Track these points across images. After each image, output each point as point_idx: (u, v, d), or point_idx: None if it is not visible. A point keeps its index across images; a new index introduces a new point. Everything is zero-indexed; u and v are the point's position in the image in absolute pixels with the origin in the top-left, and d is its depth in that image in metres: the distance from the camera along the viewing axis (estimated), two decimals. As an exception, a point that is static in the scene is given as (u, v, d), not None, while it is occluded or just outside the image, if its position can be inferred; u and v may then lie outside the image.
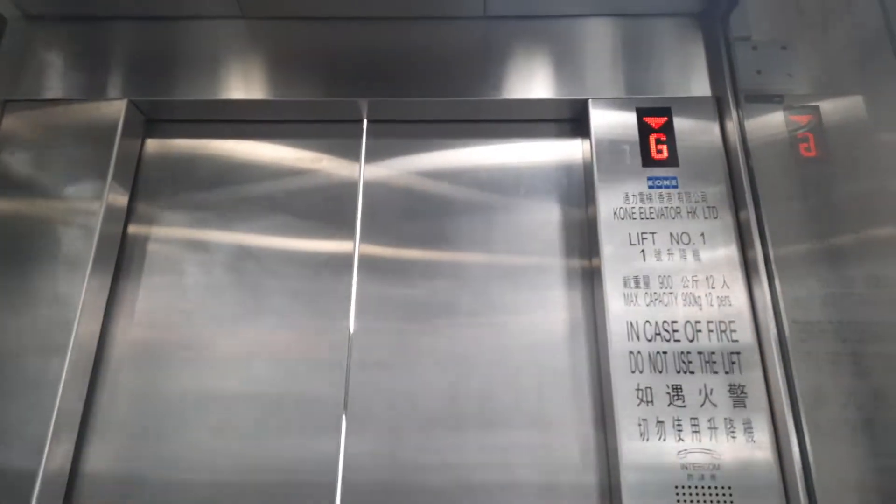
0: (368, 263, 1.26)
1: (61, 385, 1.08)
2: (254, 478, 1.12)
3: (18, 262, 1.17)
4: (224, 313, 1.23)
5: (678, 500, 1.00)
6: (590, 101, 1.27)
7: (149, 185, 1.34)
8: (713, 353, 1.08)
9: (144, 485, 1.12)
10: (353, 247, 1.27)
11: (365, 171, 1.34)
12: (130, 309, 1.24)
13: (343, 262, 1.26)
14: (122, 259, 1.28)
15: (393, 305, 1.23)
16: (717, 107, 1.26)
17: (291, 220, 1.30)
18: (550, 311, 1.21)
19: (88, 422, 1.16)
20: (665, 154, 1.22)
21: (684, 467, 1.02)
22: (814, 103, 1.23)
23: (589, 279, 1.23)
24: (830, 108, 1.20)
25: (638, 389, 1.06)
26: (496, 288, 1.23)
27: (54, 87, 1.31)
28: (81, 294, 1.14)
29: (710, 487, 1.00)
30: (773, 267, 1.09)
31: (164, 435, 1.15)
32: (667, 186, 1.19)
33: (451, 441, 1.13)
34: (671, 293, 1.12)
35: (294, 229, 1.30)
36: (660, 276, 1.13)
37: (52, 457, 1.06)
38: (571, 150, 1.34)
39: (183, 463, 1.13)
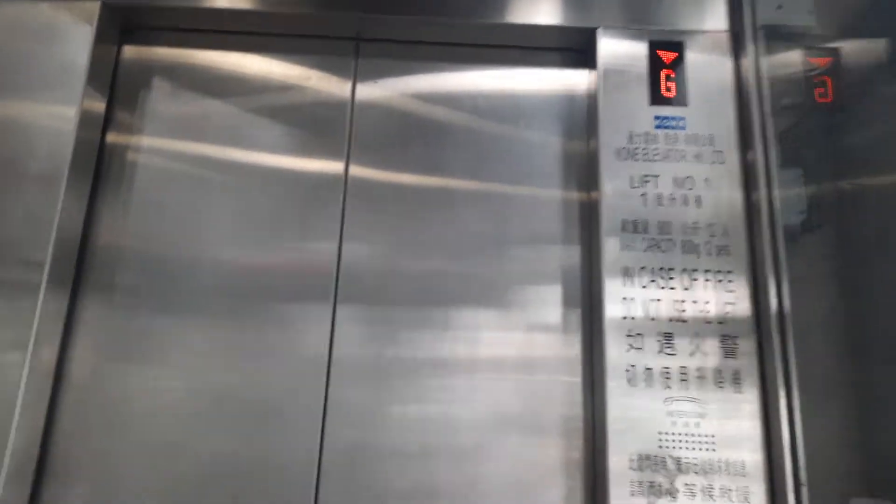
0: (359, 186, 1.20)
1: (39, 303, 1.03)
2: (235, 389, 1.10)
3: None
4: (208, 232, 1.18)
5: (660, 446, 1.00)
6: (599, 30, 1.19)
7: (127, 94, 1.25)
8: (708, 302, 1.05)
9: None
10: (342, 168, 1.21)
11: (357, 91, 1.25)
12: (110, 221, 1.18)
13: (333, 183, 1.20)
14: (100, 169, 1.20)
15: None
16: (733, 43, 1.18)
17: (279, 137, 1.22)
18: (544, 250, 1.17)
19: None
20: (674, 92, 1.15)
21: (670, 414, 1.01)
22: (834, 45, 1.16)
23: (587, 220, 1.18)
24: (851, 51, 1.13)
25: (629, 336, 1.04)
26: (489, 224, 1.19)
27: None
28: (58, 204, 1.08)
29: (694, 435, 1.00)
30: (778, 216, 1.05)
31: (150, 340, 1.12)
32: (673, 127, 1.13)
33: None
34: (670, 240, 1.08)
35: (282, 147, 1.22)
36: (659, 222, 1.09)
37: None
38: (576, 81, 1.26)
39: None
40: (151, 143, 1.23)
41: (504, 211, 1.19)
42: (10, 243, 1.06)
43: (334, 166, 1.21)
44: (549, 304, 1.15)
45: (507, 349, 1.13)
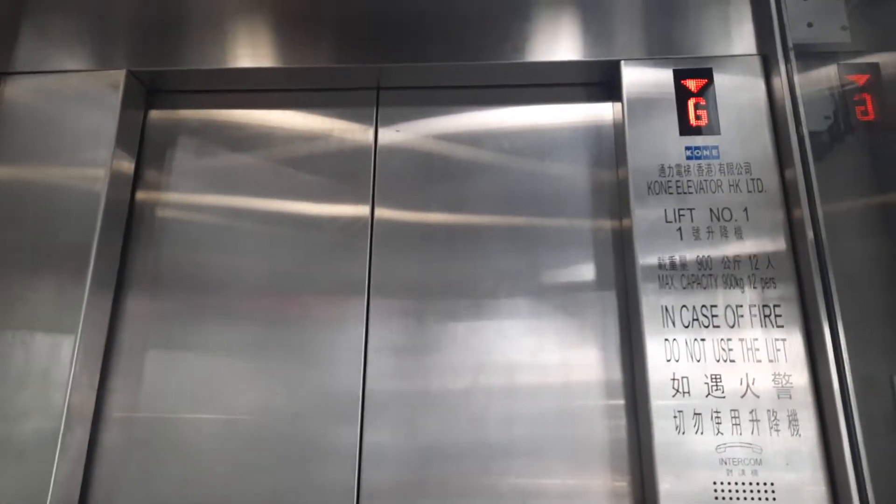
0: (385, 227, 1.20)
1: (70, 384, 1.04)
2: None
3: (22, 227, 1.14)
4: (240, 280, 1.18)
5: (716, 498, 0.94)
6: (622, 62, 1.16)
7: (155, 154, 1.28)
8: (756, 339, 1.00)
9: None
10: (368, 211, 1.20)
11: (380, 137, 1.25)
12: (142, 276, 1.20)
13: (359, 226, 1.20)
14: (130, 226, 1.23)
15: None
16: (764, 65, 1.14)
17: (305, 186, 1.23)
18: (577, 284, 1.13)
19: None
20: (705, 120, 1.11)
21: (723, 462, 0.95)
22: (872, 60, 1.11)
23: (620, 250, 1.14)
24: (892, 65, 1.08)
25: (674, 379, 0.99)
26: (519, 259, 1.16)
27: (52, 58, 1.24)
28: (91, 259, 1.10)
29: (750, 483, 0.94)
30: (823, 234, 0.99)
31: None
32: (707, 157, 1.09)
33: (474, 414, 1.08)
34: (710, 275, 1.03)
35: (308, 194, 1.23)
36: (698, 257, 1.04)
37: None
38: (601, 113, 1.23)
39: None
40: (180, 199, 1.25)
41: (534, 245, 1.17)
42: (42, 303, 1.08)
43: (360, 210, 1.21)
44: (587, 342, 1.10)
45: (543, 388, 1.09)
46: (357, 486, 1.06)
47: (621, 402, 1.07)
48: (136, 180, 1.25)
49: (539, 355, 1.11)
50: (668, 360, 1.00)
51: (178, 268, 1.20)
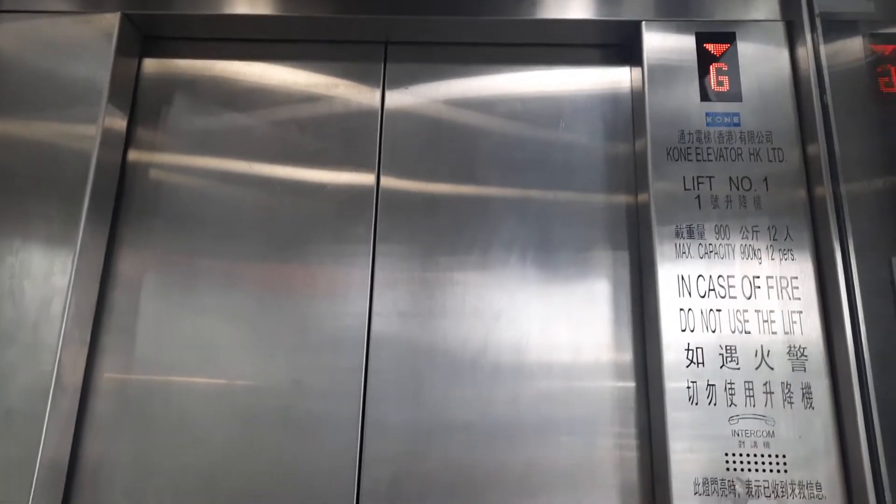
0: (391, 198, 1.15)
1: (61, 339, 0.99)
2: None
3: (9, 186, 1.08)
4: (235, 247, 1.13)
5: (727, 468, 0.93)
6: (643, 23, 1.12)
7: (149, 112, 1.21)
8: (772, 311, 0.98)
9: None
10: (373, 180, 1.15)
11: (387, 99, 1.20)
12: (136, 241, 1.15)
13: (363, 195, 1.15)
14: (122, 187, 1.16)
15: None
16: (788, 32, 1.11)
17: (306, 150, 1.18)
18: (589, 258, 1.11)
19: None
20: (726, 86, 1.08)
21: (736, 434, 0.94)
22: (897, 31, 1.08)
23: (634, 225, 1.11)
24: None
25: (688, 350, 0.97)
26: (530, 233, 1.13)
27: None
28: (82, 219, 1.05)
29: (762, 455, 0.93)
30: (846, 212, 0.97)
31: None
32: (727, 124, 1.06)
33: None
34: (728, 245, 1.01)
35: (310, 159, 1.17)
36: (716, 226, 1.02)
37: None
38: (619, 79, 1.19)
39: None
40: (174, 161, 1.19)
41: (545, 218, 1.13)
42: (32, 259, 1.03)
43: (365, 178, 1.16)
44: (597, 319, 1.08)
45: (553, 358, 1.06)
46: (359, 456, 1.03)
47: (631, 368, 1.05)
48: (129, 139, 1.19)
49: (548, 324, 1.08)
50: (683, 330, 0.98)
51: (172, 232, 1.15)
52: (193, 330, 1.10)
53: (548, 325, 1.08)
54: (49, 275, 1.02)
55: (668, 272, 1.00)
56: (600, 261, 1.11)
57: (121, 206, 1.16)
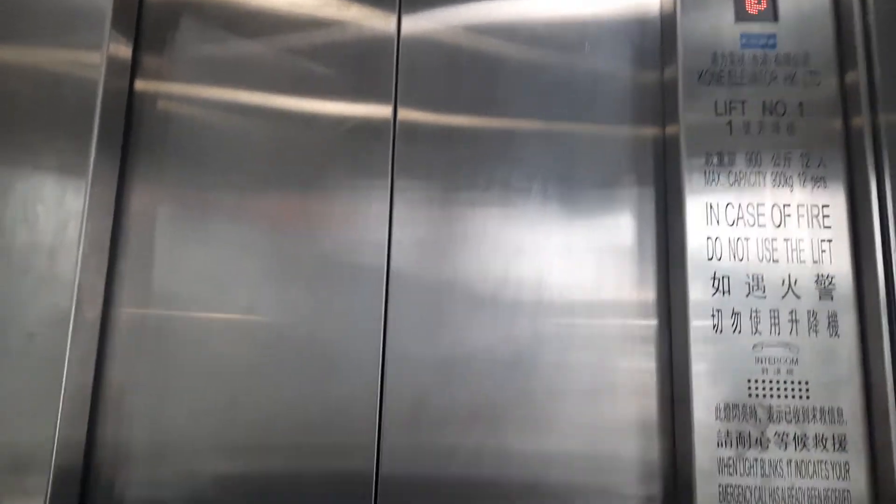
0: (409, 131, 1.11)
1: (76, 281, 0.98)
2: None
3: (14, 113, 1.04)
4: (248, 181, 1.11)
5: (749, 394, 0.93)
6: (676, -64, 1.06)
7: (154, 38, 1.16)
8: (801, 240, 0.96)
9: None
10: (390, 112, 1.12)
11: (403, 24, 1.15)
12: (146, 173, 1.12)
13: (380, 128, 1.12)
14: (130, 119, 1.13)
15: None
16: (830, -53, 1.05)
17: (318, 79, 1.14)
18: (615, 190, 1.08)
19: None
20: (763, 4, 1.03)
21: (759, 361, 0.94)
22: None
23: (661, 157, 1.08)
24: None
25: (714, 278, 0.96)
26: (553, 164, 1.10)
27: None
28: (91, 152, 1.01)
29: (784, 382, 0.93)
30: (883, 141, 0.94)
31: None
32: (762, 46, 1.02)
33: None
34: (759, 172, 0.98)
35: (321, 90, 1.13)
36: (747, 153, 0.99)
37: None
38: (646, 3, 1.14)
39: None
40: (182, 91, 1.15)
41: (569, 150, 1.10)
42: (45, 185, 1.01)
43: (381, 110, 1.12)
44: (622, 249, 1.06)
45: (574, 294, 1.05)
46: (380, 387, 1.03)
47: (654, 300, 1.04)
48: (135, 68, 1.14)
49: (570, 257, 1.06)
50: (710, 259, 0.96)
51: (183, 165, 1.12)
52: (209, 263, 1.09)
53: (568, 259, 1.06)
54: (62, 201, 1.00)
55: (696, 200, 0.98)
56: (625, 195, 1.08)
57: (130, 138, 1.13)
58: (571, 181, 1.09)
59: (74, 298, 0.95)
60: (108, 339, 1.07)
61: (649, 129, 1.10)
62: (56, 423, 0.93)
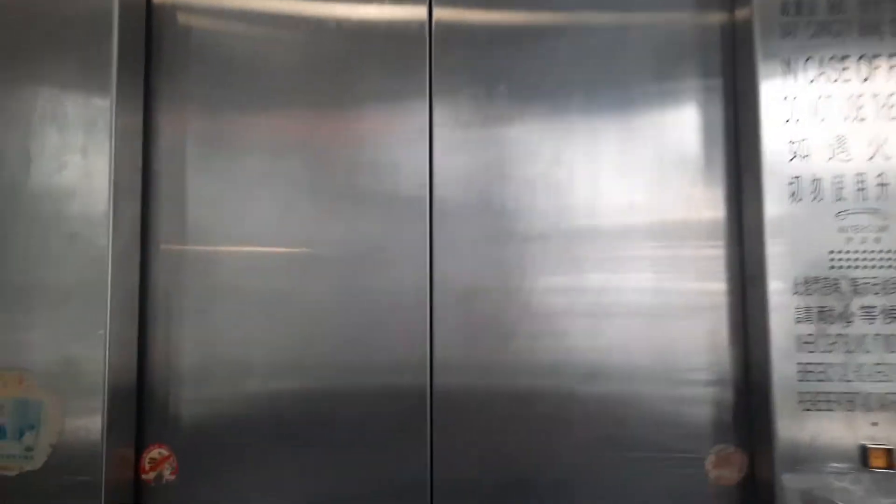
0: (446, 30, 1.01)
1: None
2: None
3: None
4: (278, 98, 1.03)
5: (831, 266, 0.85)
6: None
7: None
8: (892, 94, 0.86)
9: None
10: (425, 11, 1.01)
11: None
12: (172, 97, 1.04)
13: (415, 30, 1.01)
14: (150, 36, 1.04)
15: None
16: None
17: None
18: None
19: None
20: None
21: (842, 230, 0.85)
22: None
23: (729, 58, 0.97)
24: None
25: (792, 142, 0.87)
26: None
27: None
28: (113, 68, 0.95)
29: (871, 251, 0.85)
30: None
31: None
32: None
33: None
34: (844, 20, 0.87)
35: None
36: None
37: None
38: None
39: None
40: (203, 1, 1.06)
41: (622, 47, 0.99)
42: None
43: (416, 11, 1.02)
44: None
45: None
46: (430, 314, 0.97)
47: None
48: None
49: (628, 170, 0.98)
50: (787, 121, 0.87)
51: (209, 85, 1.04)
52: (244, 193, 1.01)
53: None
54: (89, 99, 0.95)
55: (771, 55, 0.88)
56: (689, 92, 0.98)
57: (152, 57, 1.04)
58: (624, 83, 0.98)
59: (111, 196, 0.92)
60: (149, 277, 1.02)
61: (714, 15, 0.98)
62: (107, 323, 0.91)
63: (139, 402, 0.99)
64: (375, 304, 0.98)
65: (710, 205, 0.96)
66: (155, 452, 0.98)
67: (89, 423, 0.89)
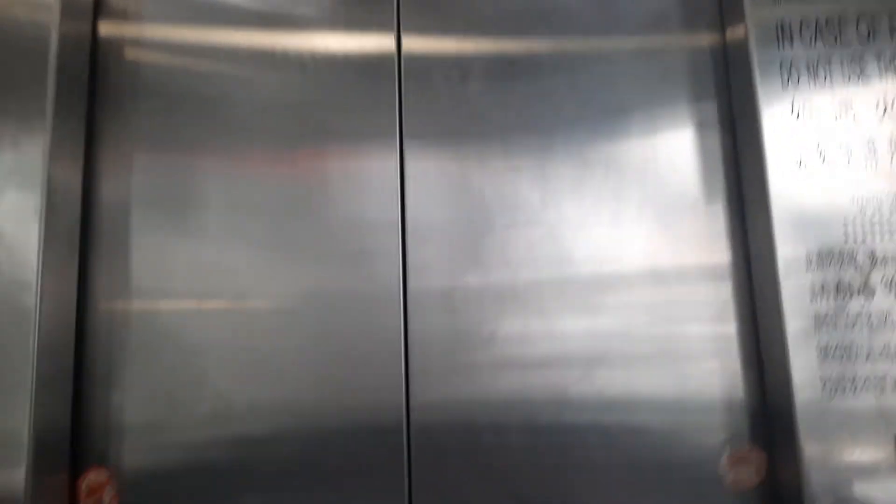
0: (416, 63, 0.92)
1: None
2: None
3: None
4: (238, 135, 0.92)
5: (846, 238, 0.77)
6: None
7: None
8: (896, 57, 0.80)
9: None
10: (393, 43, 0.93)
11: None
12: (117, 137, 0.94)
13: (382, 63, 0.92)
14: (95, 72, 0.94)
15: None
16: None
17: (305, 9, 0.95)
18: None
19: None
20: None
21: (855, 200, 0.78)
22: None
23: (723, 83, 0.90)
24: None
25: (793, 103, 0.80)
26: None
27: None
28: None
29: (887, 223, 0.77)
30: None
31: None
32: None
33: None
34: (837, -19, 0.83)
35: (311, 22, 0.94)
36: (821, -38, 0.83)
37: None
38: None
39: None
40: (155, 35, 0.95)
41: (607, 76, 0.91)
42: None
43: (383, 42, 0.93)
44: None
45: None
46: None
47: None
48: (98, 9, 0.95)
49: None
50: (787, 83, 0.81)
51: (161, 126, 0.93)
52: (195, 243, 0.90)
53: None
54: (17, 146, 0.83)
55: (766, 20, 0.83)
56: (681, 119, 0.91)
57: (96, 96, 0.93)
58: (615, 111, 0.90)
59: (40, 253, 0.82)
60: (87, 338, 0.89)
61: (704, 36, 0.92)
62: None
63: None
64: (345, 357, 0.87)
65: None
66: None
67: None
